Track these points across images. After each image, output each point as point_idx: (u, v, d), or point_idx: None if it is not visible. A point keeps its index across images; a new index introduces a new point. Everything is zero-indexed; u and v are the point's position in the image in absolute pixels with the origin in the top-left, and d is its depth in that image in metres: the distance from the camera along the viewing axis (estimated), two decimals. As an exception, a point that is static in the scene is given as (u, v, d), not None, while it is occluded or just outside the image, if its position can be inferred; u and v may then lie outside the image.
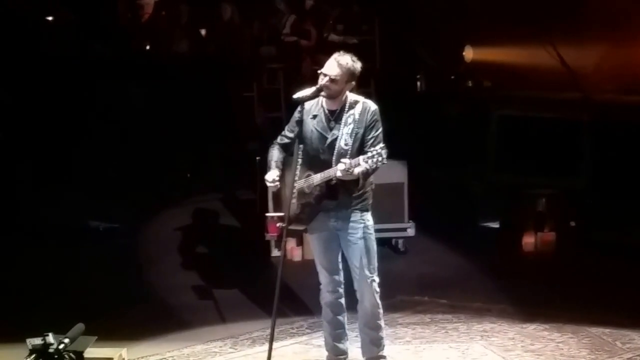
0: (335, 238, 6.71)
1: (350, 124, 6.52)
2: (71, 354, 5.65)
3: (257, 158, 9.44)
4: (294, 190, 6.56)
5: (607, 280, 9.10)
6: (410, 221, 10.03)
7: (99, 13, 13.31)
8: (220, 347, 7.57)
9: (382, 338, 6.83)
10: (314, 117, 6.60)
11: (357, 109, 6.54)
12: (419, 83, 14.10)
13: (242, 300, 8.71)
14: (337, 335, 6.92)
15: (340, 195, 6.56)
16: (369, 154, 6.26)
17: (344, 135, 6.51)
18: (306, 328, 7.93)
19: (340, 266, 6.80)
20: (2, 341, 7.36)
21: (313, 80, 6.66)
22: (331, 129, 6.56)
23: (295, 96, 6.60)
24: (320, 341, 7.18)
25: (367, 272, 6.59)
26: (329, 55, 6.61)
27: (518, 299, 8.53)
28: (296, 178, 6.56)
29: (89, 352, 5.91)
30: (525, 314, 8.12)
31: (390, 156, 6.31)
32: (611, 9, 11.56)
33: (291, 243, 9.65)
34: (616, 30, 11.52)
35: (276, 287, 6.39)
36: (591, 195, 11.05)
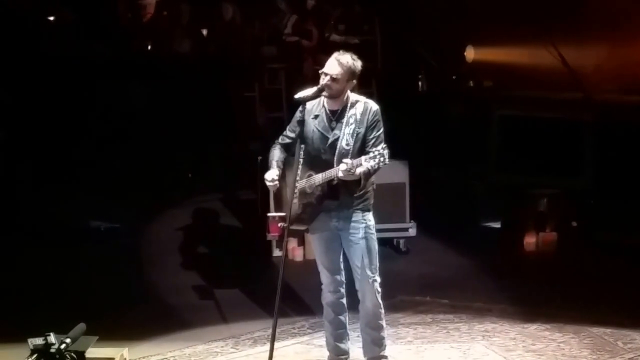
0: (336, 238, 6.71)
1: (351, 124, 6.52)
2: (72, 354, 5.66)
3: (259, 158, 9.43)
4: (296, 190, 6.56)
5: (609, 280, 9.10)
6: (412, 221, 10.02)
7: (100, 13, 13.31)
8: (222, 347, 7.57)
9: (383, 338, 6.83)
10: (316, 117, 6.60)
11: (359, 109, 6.54)
12: (420, 83, 14.09)
13: (244, 300, 8.71)
14: (338, 335, 6.92)
15: (342, 196, 6.56)
16: (371, 154, 6.26)
17: (345, 136, 6.51)
18: (308, 328, 7.93)
19: (342, 266, 6.80)
20: (3, 341, 7.36)
21: (314, 80, 6.66)
22: (332, 129, 6.56)
23: (296, 96, 6.60)
24: (322, 341, 7.18)
25: (368, 272, 6.59)
26: (330, 55, 6.61)
27: (519, 299, 8.53)
28: (297, 178, 6.56)
29: (91, 352, 5.92)
30: (527, 314, 8.12)
31: (391, 156, 6.30)
32: (612, 8, 11.57)
33: (292, 243, 9.66)
34: (617, 30, 11.53)
35: (278, 287, 6.39)
36: (592, 195, 11.05)
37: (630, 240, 9.95)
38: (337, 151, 6.50)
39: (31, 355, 5.59)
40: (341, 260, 6.79)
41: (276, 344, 6.62)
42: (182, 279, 9.37)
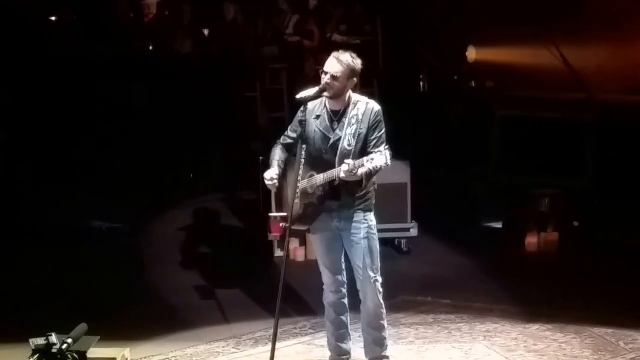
0: (337, 238, 6.71)
1: (353, 124, 6.51)
2: (74, 354, 5.66)
3: (260, 158, 9.44)
4: (297, 190, 6.56)
5: (610, 280, 9.10)
6: (413, 221, 10.02)
7: (101, 13, 13.33)
8: (223, 347, 7.56)
9: (384, 338, 6.82)
10: (317, 117, 6.60)
11: (360, 109, 6.54)
12: (421, 83, 14.12)
13: (245, 300, 8.70)
14: (339, 335, 6.92)
15: (343, 196, 6.56)
16: (373, 155, 6.25)
17: (346, 136, 6.51)
18: (309, 328, 7.92)
19: (343, 266, 6.80)
20: (5, 341, 7.36)
21: (316, 80, 6.66)
22: (334, 129, 6.56)
23: (298, 96, 6.60)
24: (323, 341, 7.18)
25: (370, 272, 6.59)
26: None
27: (521, 299, 8.53)
28: (299, 178, 6.56)
29: (92, 352, 5.92)
30: (528, 314, 8.12)
31: (392, 156, 6.30)
32: (614, 8, 11.57)
33: (294, 243, 9.66)
34: (619, 30, 11.53)
35: (279, 287, 6.39)
36: (594, 195, 11.05)
37: (632, 240, 9.94)
38: (338, 151, 6.50)
39: (32, 355, 5.60)
40: (342, 260, 6.79)
41: (277, 344, 6.62)
42: (184, 279, 9.37)
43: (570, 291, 8.79)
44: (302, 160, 6.55)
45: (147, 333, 7.76)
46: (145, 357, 7.29)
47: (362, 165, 6.27)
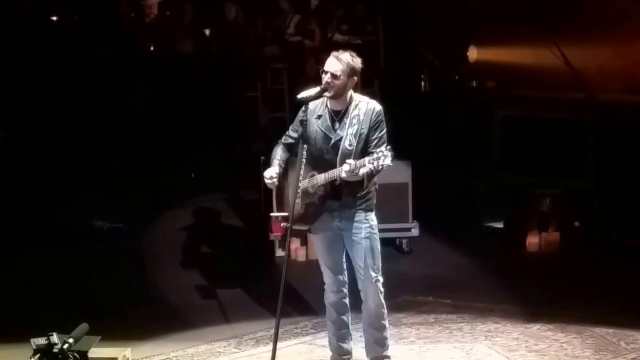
0: (339, 238, 6.71)
1: (354, 124, 6.51)
2: (75, 354, 5.67)
3: (262, 158, 9.44)
4: (298, 190, 6.56)
5: (611, 280, 9.10)
6: (414, 221, 10.02)
7: (102, 13, 13.33)
8: (225, 347, 7.57)
9: (386, 338, 6.82)
10: (319, 117, 6.60)
11: (362, 109, 6.54)
12: (422, 83, 14.12)
13: (246, 300, 8.71)
14: (341, 335, 6.92)
15: (344, 196, 6.56)
16: (375, 155, 6.26)
17: (348, 136, 6.51)
18: (310, 328, 7.92)
19: (345, 266, 6.80)
20: (6, 341, 7.36)
21: (317, 80, 6.66)
22: (335, 130, 6.56)
23: (299, 96, 6.60)
24: (325, 341, 7.18)
25: (371, 272, 6.59)
26: (332, 55, 6.63)
27: (522, 299, 8.53)
28: (300, 178, 6.56)
29: (93, 352, 5.93)
30: (529, 314, 8.12)
31: (394, 156, 6.30)
32: (615, 8, 11.57)
33: (295, 243, 9.65)
34: (621, 30, 11.53)
35: (280, 287, 6.39)
36: (595, 195, 11.05)
37: (633, 241, 9.94)
38: (339, 151, 6.50)
39: (34, 355, 5.60)
40: (344, 260, 6.79)
41: (279, 344, 6.61)
42: (185, 279, 9.37)
43: (572, 291, 8.79)
44: (304, 160, 6.55)
45: (149, 333, 7.76)
46: (146, 357, 7.29)
47: (364, 165, 6.27)
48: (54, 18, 13.38)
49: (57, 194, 11.17)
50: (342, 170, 6.34)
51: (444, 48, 13.73)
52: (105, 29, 13.14)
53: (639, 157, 10.71)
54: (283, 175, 6.70)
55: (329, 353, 7.03)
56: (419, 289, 8.95)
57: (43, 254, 9.98)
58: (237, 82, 13.25)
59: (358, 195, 6.57)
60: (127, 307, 8.44)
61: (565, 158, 11.41)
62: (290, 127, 6.77)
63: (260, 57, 13.73)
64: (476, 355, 7.31)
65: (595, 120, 11.32)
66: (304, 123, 6.56)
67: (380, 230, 6.74)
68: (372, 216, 6.66)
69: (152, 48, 13.88)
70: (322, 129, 6.58)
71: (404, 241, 10.12)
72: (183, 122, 12.32)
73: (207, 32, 14.07)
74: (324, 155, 6.57)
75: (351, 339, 6.99)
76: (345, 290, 6.85)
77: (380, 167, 6.25)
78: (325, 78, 6.48)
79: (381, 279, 6.65)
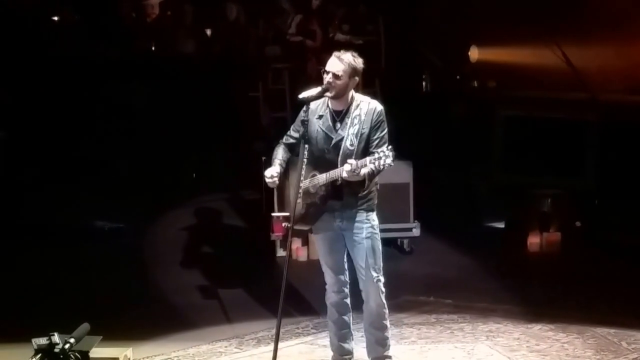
0: (340, 238, 6.71)
1: (356, 124, 6.51)
2: (76, 354, 5.67)
3: (263, 158, 9.44)
4: (300, 190, 6.56)
5: (613, 281, 9.10)
6: (416, 221, 10.02)
7: (103, 13, 13.32)
8: (226, 347, 7.56)
9: (387, 338, 6.82)
10: (320, 117, 6.60)
11: (363, 109, 6.54)
12: (424, 83, 14.11)
13: (248, 300, 8.71)
14: (342, 335, 6.92)
15: (346, 196, 6.56)
16: (376, 155, 6.25)
17: (349, 136, 6.51)
18: (312, 328, 7.92)
19: (346, 266, 6.80)
20: (7, 341, 7.36)
21: (318, 80, 6.66)
22: (336, 130, 6.56)
23: (300, 96, 6.60)
24: (326, 341, 7.19)
25: (372, 272, 6.59)
26: (333, 55, 6.63)
27: (523, 299, 8.53)
28: (301, 178, 6.56)
29: (94, 352, 5.93)
30: (531, 314, 8.12)
31: (395, 156, 6.29)
32: (616, 8, 11.56)
33: (296, 243, 9.65)
34: (622, 30, 11.52)
35: (281, 287, 6.38)
36: (596, 195, 11.05)
37: (634, 241, 9.94)
38: (341, 151, 6.50)
39: (35, 355, 5.60)
40: (345, 260, 6.79)
41: (280, 344, 6.61)
42: (186, 279, 9.37)
43: (573, 291, 8.79)
44: (305, 160, 6.54)
45: (150, 333, 7.76)
46: (147, 357, 7.29)
47: (365, 165, 6.27)
48: (55, 18, 13.37)
49: (57, 194, 11.17)
50: (344, 170, 6.33)
51: (445, 48, 13.73)
52: (106, 29, 13.13)
53: (640, 158, 10.72)
54: (284, 175, 6.69)
55: (330, 353, 7.02)
56: (420, 289, 8.95)
57: (43, 254, 9.98)
58: (238, 82, 13.24)
59: (359, 195, 6.57)
60: (128, 307, 8.44)
61: (566, 158, 11.41)
62: (292, 127, 6.77)
63: (262, 57, 13.72)
64: (477, 355, 7.30)
65: (596, 121, 11.31)
66: (305, 123, 6.55)
67: (382, 230, 6.73)
68: (374, 216, 6.65)
69: (153, 48, 13.86)
70: (324, 129, 6.57)
71: (405, 241, 10.12)
72: (184, 122, 12.31)
73: (208, 32, 14.06)
74: (325, 155, 6.57)
75: (352, 339, 6.99)
76: (347, 291, 6.84)
77: (381, 167, 6.25)
78: (327, 78, 6.49)
79: (382, 279, 6.65)
